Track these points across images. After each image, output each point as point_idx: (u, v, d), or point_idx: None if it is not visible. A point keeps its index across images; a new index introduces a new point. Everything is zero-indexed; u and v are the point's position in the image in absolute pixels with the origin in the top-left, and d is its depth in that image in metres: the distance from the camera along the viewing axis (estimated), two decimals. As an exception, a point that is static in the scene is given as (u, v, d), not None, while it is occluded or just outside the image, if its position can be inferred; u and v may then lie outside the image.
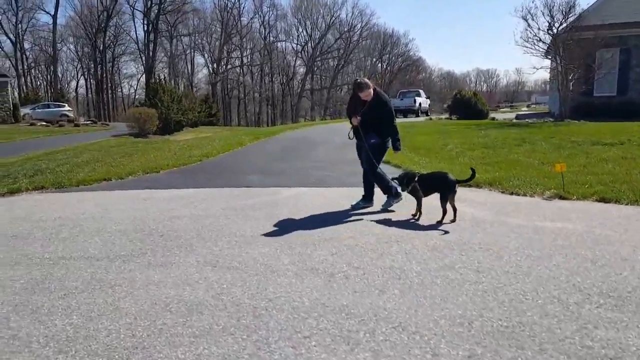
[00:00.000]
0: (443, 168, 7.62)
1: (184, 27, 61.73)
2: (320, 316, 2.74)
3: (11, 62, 54.26)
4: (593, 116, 15.27)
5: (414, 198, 5.03)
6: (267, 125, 61.57)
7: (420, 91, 32.00)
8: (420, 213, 4.91)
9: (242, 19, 63.91)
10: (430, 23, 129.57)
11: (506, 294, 2.92)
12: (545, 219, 4.67)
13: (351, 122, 5.76)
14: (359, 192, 5.99)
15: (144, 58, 59.14)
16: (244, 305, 2.94)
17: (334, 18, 66.29)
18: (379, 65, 73.51)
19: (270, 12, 65.12)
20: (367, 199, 5.78)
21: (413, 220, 4.87)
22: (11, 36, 54.65)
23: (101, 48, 57.86)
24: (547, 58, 19.09)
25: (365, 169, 5.78)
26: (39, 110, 32.85)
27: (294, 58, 68.80)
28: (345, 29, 66.04)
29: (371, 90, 5.53)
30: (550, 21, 15.88)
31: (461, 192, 6.14)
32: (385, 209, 5.49)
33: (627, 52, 17.47)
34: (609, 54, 16.72)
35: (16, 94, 38.70)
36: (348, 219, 5.05)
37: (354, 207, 5.60)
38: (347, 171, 8.31)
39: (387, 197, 5.59)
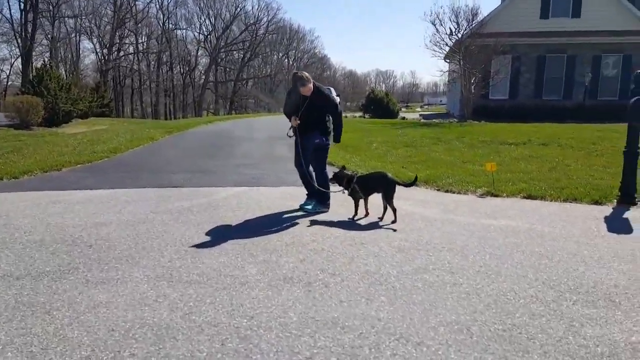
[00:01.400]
0: (375, 167, 7.78)
1: (69, 7, 55.47)
2: (315, 332, 2.53)
3: None
4: (489, 117, 16.86)
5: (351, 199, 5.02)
6: (166, 118, 57.94)
7: (332, 89, 32.53)
8: (356, 214, 4.92)
9: (137, 2, 59.30)
10: (334, 22, 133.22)
11: (488, 295, 2.98)
12: (488, 217, 4.94)
13: (290, 121, 5.47)
14: (300, 191, 5.82)
15: (19, 40, 51.95)
16: (223, 325, 2.61)
17: (238, 9, 64.61)
18: (285, 60, 73.54)
19: (169, -3, 61.31)
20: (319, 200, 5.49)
21: (355, 220, 4.84)
22: None
23: (-35, 24, 49.65)
24: (450, 61, 20.61)
25: (300, 170, 5.48)
26: None
27: (196, 48, 65.73)
28: (251, 22, 64.79)
29: (311, 85, 5.26)
30: (455, 27, 17.16)
31: (400, 189, 6.32)
32: (303, 208, 5.30)
33: (518, 59, 19.60)
34: (504, 61, 18.62)
35: None
36: (299, 221, 4.84)
37: (305, 210, 5.33)
38: (283, 169, 8.08)
39: (315, 202, 5.36)
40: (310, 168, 5.44)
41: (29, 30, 50.03)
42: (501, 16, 19.91)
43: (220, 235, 4.32)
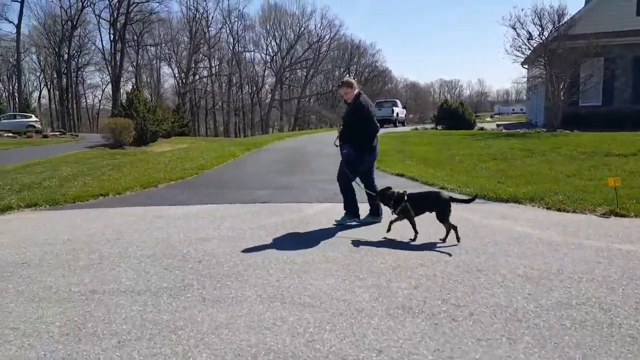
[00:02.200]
0: (466, 182, 7.37)
1: (150, 36, 60.18)
2: (457, 371, 2.30)
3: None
4: (579, 126, 15.55)
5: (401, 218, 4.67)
6: (235, 136, 60.42)
7: (397, 101, 32.16)
8: (416, 233, 4.55)
9: (210, 29, 62.94)
10: (395, 34, 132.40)
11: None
12: (622, 241, 4.35)
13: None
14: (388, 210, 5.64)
15: (109, 68, 57.14)
16: (351, 358, 2.45)
17: (302, 29, 66.28)
18: (347, 75, 74.05)
19: (239, 22, 64.40)
20: (374, 213, 5.38)
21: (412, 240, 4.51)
22: (-30, 45, 51.69)
23: (65, 58, 55.54)
24: (529, 67, 19.42)
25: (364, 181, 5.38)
26: (5, 121, 30.96)
27: (263, 68, 68.27)
28: (314, 40, 66.08)
29: (351, 91, 5.18)
30: (539, 30, 16.14)
31: (502, 208, 5.91)
32: (340, 223, 5.22)
33: (612, 61, 17.99)
34: (597, 64, 17.16)
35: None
36: (393, 240, 4.62)
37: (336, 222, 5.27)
38: (364, 184, 7.93)
39: (345, 213, 5.31)
40: (354, 182, 5.31)
41: (118, 59, 54.85)
42: (591, 15, 18.41)
43: (318, 253, 4.23)
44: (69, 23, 54.37)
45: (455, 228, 4.41)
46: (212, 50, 62.66)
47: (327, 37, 66.71)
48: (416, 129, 22.31)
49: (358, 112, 5.12)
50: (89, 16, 56.33)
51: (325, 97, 70.14)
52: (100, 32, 67.23)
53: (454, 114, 21.19)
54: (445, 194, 4.68)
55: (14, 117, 33.01)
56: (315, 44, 65.78)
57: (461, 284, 3.43)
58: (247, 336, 2.72)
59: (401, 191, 4.75)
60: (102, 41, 64.92)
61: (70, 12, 54.29)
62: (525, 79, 21.24)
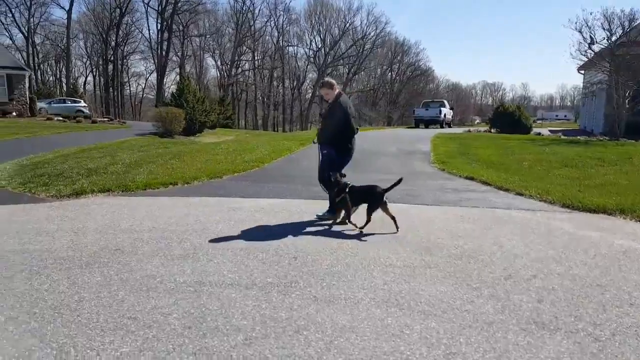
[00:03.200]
0: (546, 189, 7.01)
1: (195, 27, 61.19)
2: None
3: (22, 56, 53.51)
4: (640, 135, 14.68)
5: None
6: (274, 130, 60.79)
7: (445, 102, 31.43)
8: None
9: (255, 22, 63.46)
10: (440, 34, 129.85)
11: None
12: None
13: None
14: (470, 212, 5.41)
15: (155, 57, 58.53)
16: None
17: (347, 25, 65.84)
18: (389, 74, 73.07)
19: (284, 16, 64.62)
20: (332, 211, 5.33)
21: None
22: (24, 30, 54.05)
23: (113, 45, 57.22)
24: (586, 72, 18.47)
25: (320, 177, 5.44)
26: (55, 105, 32.13)
27: (306, 63, 68.27)
28: (359, 37, 65.52)
29: (332, 91, 5.21)
30: (607, 35, 15.34)
31: (592, 219, 5.55)
32: (320, 218, 5.28)
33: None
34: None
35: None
36: (483, 245, 4.38)
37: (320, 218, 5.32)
38: (433, 186, 7.70)
39: (328, 210, 5.33)
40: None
41: (164, 48, 56.13)
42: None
43: (416, 257, 4.05)
44: (118, 10, 55.96)
45: (394, 218, 4.84)
46: (256, 43, 63.19)
47: (372, 34, 66.10)
48: (469, 131, 21.71)
49: (337, 113, 5.15)
50: (137, 4, 58.00)
51: (366, 95, 69.59)
52: (147, 20, 68.75)
53: (510, 117, 20.45)
54: (380, 188, 4.93)
55: (64, 101, 34.18)
56: (360, 40, 65.24)
57: (586, 300, 3.18)
58: (378, 343, 2.57)
59: (346, 183, 5.06)
60: (149, 30, 66.73)
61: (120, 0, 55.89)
62: (591, 85, 20.20)
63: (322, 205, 6.18)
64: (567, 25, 16.18)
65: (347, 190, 4.94)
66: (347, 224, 5.00)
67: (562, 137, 17.48)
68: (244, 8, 61.41)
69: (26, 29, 53.97)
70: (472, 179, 8.14)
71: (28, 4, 53.38)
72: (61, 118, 28.80)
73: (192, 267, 3.77)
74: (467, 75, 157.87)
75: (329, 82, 5.33)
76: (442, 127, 27.67)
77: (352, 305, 3.05)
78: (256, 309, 3.00)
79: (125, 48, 60.32)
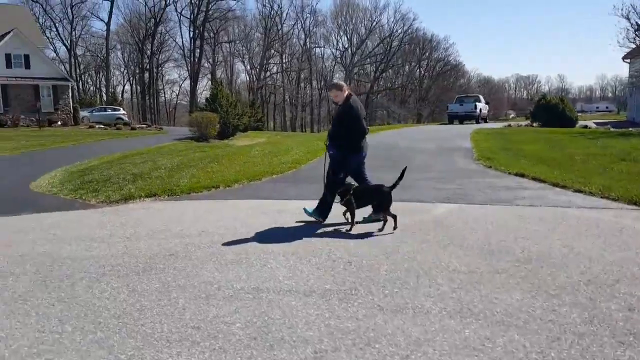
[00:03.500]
0: (608, 185, 6.58)
1: (225, 34, 62.18)
2: None
3: (65, 68, 55.92)
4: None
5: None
6: (302, 131, 60.90)
7: (480, 96, 30.54)
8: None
9: (283, 25, 63.89)
10: (470, 27, 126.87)
11: None
12: None
13: None
14: (528, 211, 5.12)
15: (188, 64, 59.86)
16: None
17: (374, 23, 65.33)
18: (417, 70, 71.90)
19: (311, 18, 64.77)
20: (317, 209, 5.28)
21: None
22: (66, 43, 56.45)
23: (148, 54, 58.90)
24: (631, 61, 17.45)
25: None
26: (96, 113, 33.37)
27: (333, 64, 68.19)
28: (386, 34, 64.84)
29: (341, 93, 5.16)
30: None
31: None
32: (307, 212, 5.26)
33: None
34: None
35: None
36: (538, 246, 4.10)
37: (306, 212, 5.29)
38: (482, 184, 7.38)
39: (317, 207, 5.28)
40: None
41: (196, 55, 57.33)
42: None
43: (481, 262, 3.83)
44: (152, 20, 57.60)
45: (394, 217, 4.78)
46: (283, 46, 63.66)
47: (399, 31, 65.35)
48: (509, 125, 21.00)
49: (347, 114, 5.12)
50: (170, 14, 59.48)
51: (394, 93, 68.82)
52: (180, 29, 70.62)
53: (553, 110, 19.57)
54: (386, 187, 4.89)
55: (105, 109, 35.45)
56: (387, 38, 64.62)
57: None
58: (459, 358, 2.39)
59: (350, 184, 5.04)
60: (182, 38, 68.25)
61: (154, 10, 57.56)
62: (627, 75, 19.08)
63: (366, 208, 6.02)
64: (612, 12, 15.37)
65: (351, 191, 4.88)
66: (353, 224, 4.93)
67: (612, 129, 16.61)
68: (272, 13, 61.99)
69: (69, 41, 56.47)
70: (522, 175, 7.76)
71: (70, 18, 55.86)
72: (102, 126, 29.86)
73: (247, 273, 3.69)
74: (499, 68, 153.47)
75: (337, 84, 5.31)
76: (477, 122, 26.89)
77: (422, 316, 2.88)
78: (320, 318, 2.87)
79: (160, 56, 62.09)
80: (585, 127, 19.10)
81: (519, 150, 10.91)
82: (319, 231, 4.93)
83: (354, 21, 65.93)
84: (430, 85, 70.15)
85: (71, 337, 2.72)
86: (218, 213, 5.90)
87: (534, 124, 20.73)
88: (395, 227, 4.76)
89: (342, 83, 5.36)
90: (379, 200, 4.85)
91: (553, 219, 5.13)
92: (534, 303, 3.01)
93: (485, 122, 29.05)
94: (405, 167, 5.12)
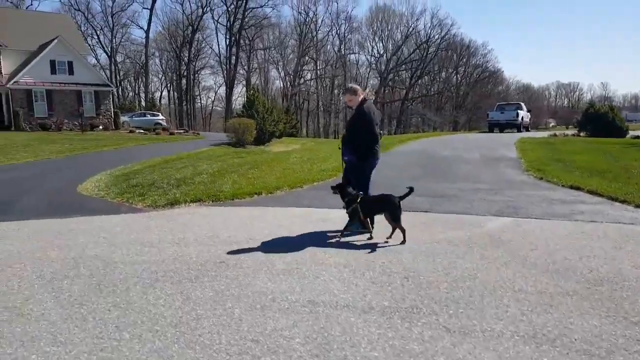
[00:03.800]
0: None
1: (260, 41, 63.15)
2: None
3: (105, 74, 58.17)
4: None
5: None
6: (335, 137, 60.81)
7: (522, 104, 29.55)
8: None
9: (318, 32, 64.30)
10: (510, 33, 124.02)
11: None
12: None
13: None
14: (595, 229, 4.82)
15: (224, 71, 61.05)
16: None
17: (411, 29, 64.70)
18: (454, 77, 70.66)
19: (346, 24, 64.88)
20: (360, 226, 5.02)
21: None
22: (107, 50, 58.76)
23: (186, 61, 60.47)
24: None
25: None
26: (136, 118, 34.42)
27: (367, 70, 67.96)
28: (423, 40, 64.09)
29: (355, 97, 5.13)
30: None
31: None
32: (349, 231, 4.96)
33: None
34: None
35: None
36: (612, 265, 3.79)
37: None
38: (536, 197, 7.04)
39: (349, 220, 4.98)
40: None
41: (232, 62, 58.43)
42: None
43: (548, 282, 3.59)
44: (190, 28, 59.17)
45: (403, 230, 4.68)
46: (318, 53, 64.01)
47: (436, 36, 64.47)
48: (555, 135, 20.22)
49: (361, 119, 5.05)
50: (207, 22, 61.07)
51: (430, 100, 67.84)
52: (217, 36, 72.36)
53: (601, 119, 18.70)
54: (395, 197, 4.79)
55: (144, 115, 36.53)
56: (424, 44, 63.87)
57: None
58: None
59: (358, 193, 4.93)
60: (218, 46, 69.68)
61: (191, 18, 59.13)
62: None
63: (416, 218, 5.84)
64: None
65: (358, 200, 4.83)
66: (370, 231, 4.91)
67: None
68: (307, 20, 62.48)
69: (109, 48, 58.71)
70: (578, 188, 7.37)
71: (111, 25, 58.14)
72: (142, 130, 30.71)
73: (300, 285, 3.58)
74: (539, 75, 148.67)
75: (352, 88, 5.26)
76: (519, 131, 26.04)
77: (493, 340, 2.69)
78: (382, 337, 2.73)
79: (197, 63, 63.67)
80: (637, 137, 18.14)
81: (571, 161, 10.42)
82: (366, 242, 4.78)
83: (389, 27, 65.59)
84: (467, 92, 68.77)
85: (129, 345, 2.68)
86: (263, 220, 5.85)
87: (581, 134, 19.86)
88: (403, 242, 4.63)
89: (357, 87, 5.28)
90: (391, 210, 4.73)
91: (618, 237, 4.80)
92: (614, 331, 2.76)
93: (527, 130, 28.12)
94: (412, 188, 4.89)
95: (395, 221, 4.70)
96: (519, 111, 26.61)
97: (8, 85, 28.33)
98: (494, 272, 3.84)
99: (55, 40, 29.74)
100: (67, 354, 2.60)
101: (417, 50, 64.35)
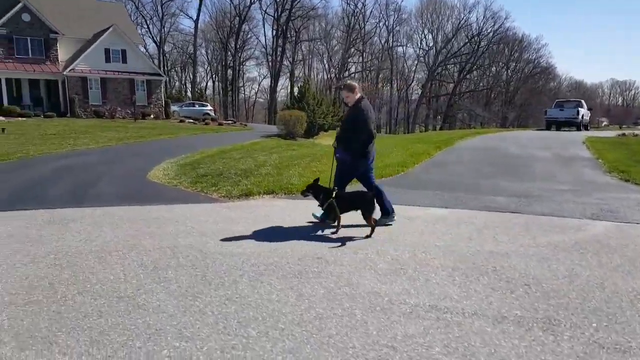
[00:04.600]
0: None
1: (306, 32, 63.01)
2: None
3: (154, 64, 59.79)
4: None
5: None
6: (378, 132, 59.99)
7: (582, 102, 27.89)
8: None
9: (366, 23, 63.49)
10: (564, 28, 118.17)
11: None
12: None
13: None
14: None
15: (269, 62, 61.43)
16: None
17: (462, 21, 62.69)
18: (505, 72, 68.01)
19: (395, 16, 63.70)
20: (384, 213, 5.19)
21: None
22: (156, 40, 60.34)
23: (233, 51, 61.24)
24: None
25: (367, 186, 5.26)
26: (186, 108, 35.17)
27: (415, 63, 66.49)
28: (474, 34, 61.96)
29: (352, 95, 5.07)
30: None
31: None
32: (382, 224, 5.07)
33: None
34: None
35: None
36: None
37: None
38: (627, 200, 6.53)
39: (382, 215, 5.19)
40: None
41: (278, 53, 58.67)
42: None
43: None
44: (237, 19, 59.78)
45: (373, 226, 4.73)
46: (365, 44, 63.23)
47: (489, 30, 62.16)
48: (624, 134, 19.03)
49: (356, 117, 5.00)
50: (255, 12, 61.50)
51: (479, 95, 65.66)
52: (264, 27, 72.86)
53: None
54: (369, 194, 4.90)
55: (193, 105, 37.25)
56: (475, 37, 61.73)
57: None
58: None
59: (332, 189, 4.96)
60: (265, 37, 70.07)
61: (239, 8, 59.71)
62: None
63: (506, 218, 5.50)
64: None
65: (333, 196, 4.83)
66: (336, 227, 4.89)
67: None
68: (355, 11, 61.76)
69: (158, 38, 60.23)
70: (678, 193, 6.78)
71: (160, 15, 59.56)
72: (191, 120, 31.36)
73: (413, 287, 3.39)
74: (592, 72, 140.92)
75: (350, 84, 5.19)
76: (578, 129, 24.67)
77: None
78: (531, 352, 2.50)
79: (242, 54, 64.35)
80: None
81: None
82: (469, 243, 4.51)
83: (440, 19, 63.77)
84: (517, 88, 66.13)
85: (260, 344, 2.58)
86: (343, 217, 5.67)
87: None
88: (369, 236, 4.66)
89: (355, 84, 5.20)
90: (364, 207, 4.74)
91: None
92: None
93: (586, 129, 26.62)
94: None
95: (367, 217, 4.71)
96: (579, 109, 25.15)
97: (65, 73, 29.52)
98: (621, 281, 3.51)
99: (110, 29, 30.64)
100: (198, 350, 2.52)
101: (468, 44, 62.31)
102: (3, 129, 18.72)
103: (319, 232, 4.91)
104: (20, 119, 25.76)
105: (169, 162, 10.95)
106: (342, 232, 4.83)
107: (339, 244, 4.47)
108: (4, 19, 28.86)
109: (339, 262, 3.95)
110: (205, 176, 8.51)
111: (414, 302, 3.12)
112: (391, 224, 5.18)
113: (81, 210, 6.00)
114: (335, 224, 4.91)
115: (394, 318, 2.88)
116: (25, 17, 29.60)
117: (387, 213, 5.23)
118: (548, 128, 25.82)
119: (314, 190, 5.06)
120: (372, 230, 4.70)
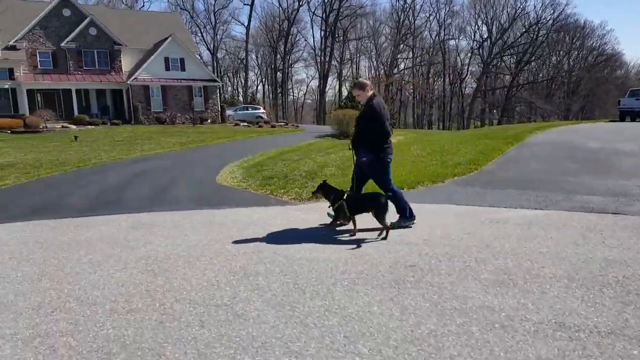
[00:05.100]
0: None
1: (354, 31, 62.58)
2: None
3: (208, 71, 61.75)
4: None
5: None
6: (429, 128, 58.43)
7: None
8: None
9: (416, 18, 62.10)
10: (631, 9, 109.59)
11: None
12: None
13: None
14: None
15: (318, 63, 61.63)
16: None
17: (519, 10, 59.73)
18: (566, 61, 64.02)
19: (446, 9, 61.84)
20: (403, 215, 5.01)
21: None
22: (210, 47, 62.30)
23: (282, 54, 62.04)
24: None
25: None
26: (240, 112, 35.99)
27: (468, 56, 64.12)
28: (532, 22, 58.83)
29: (363, 93, 4.98)
30: None
31: None
32: (397, 227, 4.88)
33: None
34: None
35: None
36: None
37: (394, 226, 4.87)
38: None
39: (400, 216, 5.02)
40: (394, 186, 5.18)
41: (327, 54, 58.74)
42: None
43: None
44: (286, 22, 60.50)
45: (387, 228, 4.60)
46: (415, 40, 61.87)
47: (548, 18, 58.84)
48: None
49: (371, 115, 4.90)
50: (303, 14, 62.03)
51: (538, 87, 62.30)
52: (312, 29, 73.26)
53: None
54: (384, 196, 4.73)
55: (247, 108, 38.06)
56: (533, 26, 58.64)
57: None
58: None
59: (343, 191, 4.90)
60: (313, 38, 70.59)
61: (288, 11, 60.38)
62: None
63: (609, 221, 4.96)
64: None
65: (344, 197, 4.77)
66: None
67: None
68: (405, 6, 60.59)
69: (211, 45, 62.16)
70: None
71: (213, 23, 61.42)
72: (246, 123, 32.02)
73: (529, 301, 3.05)
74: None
75: (361, 82, 5.13)
76: (656, 120, 22.64)
77: None
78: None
79: (291, 57, 65.06)
80: None
81: None
82: (577, 250, 4.09)
83: (494, 9, 61.11)
84: (581, 77, 62.10)
85: (375, 363, 2.37)
86: (424, 218, 5.36)
87: None
88: (385, 238, 4.56)
89: (366, 82, 5.13)
90: (377, 208, 4.61)
91: None
92: None
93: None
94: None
95: (381, 219, 4.59)
96: (659, 97, 23.10)
97: (128, 82, 31.09)
98: None
99: (169, 39, 31.96)
100: (310, 368, 2.36)
101: (526, 34, 59.30)
102: (76, 137, 19.92)
103: (400, 234, 4.65)
104: (89, 127, 27.42)
105: (233, 165, 11.08)
106: (423, 236, 4.54)
107: (428, 250, 4.19)
108: (73, 34, 30.85)
109: (436, 271, 3.67)
110: (271, 178, 8.49)
111: (537, 320, 2.79)
112: (410, 227, 4.99)
113: (161, 215, 6.11)
114: (351, 225, 4.83)
115: (519, 337, 2.58)
116: (92, 31, 31.49)
117: (405, 215, 5.01)
118: (622, 119, 23.92)
119: (324, 190, 5.01)
120: (387, 233, 4.61)
